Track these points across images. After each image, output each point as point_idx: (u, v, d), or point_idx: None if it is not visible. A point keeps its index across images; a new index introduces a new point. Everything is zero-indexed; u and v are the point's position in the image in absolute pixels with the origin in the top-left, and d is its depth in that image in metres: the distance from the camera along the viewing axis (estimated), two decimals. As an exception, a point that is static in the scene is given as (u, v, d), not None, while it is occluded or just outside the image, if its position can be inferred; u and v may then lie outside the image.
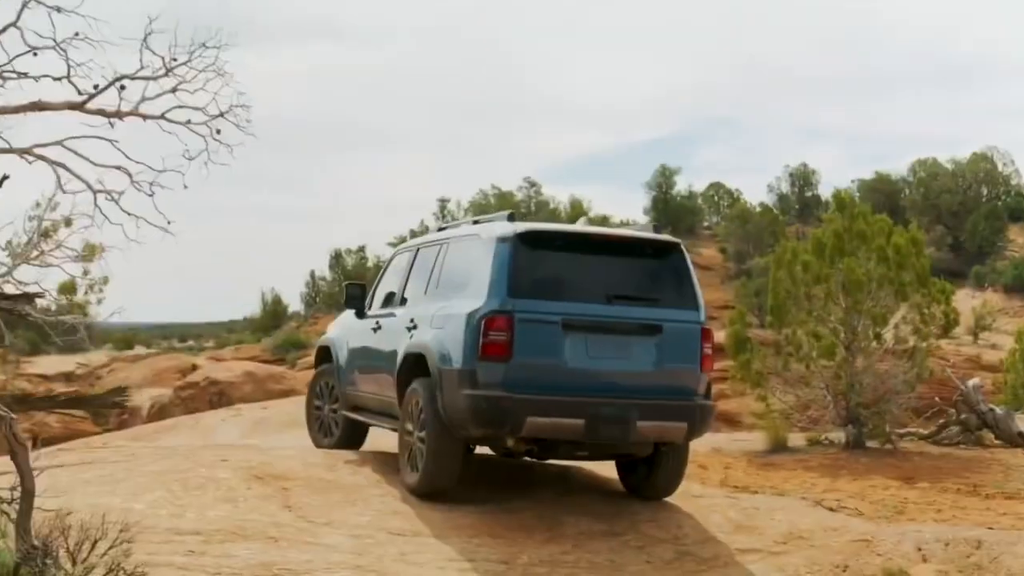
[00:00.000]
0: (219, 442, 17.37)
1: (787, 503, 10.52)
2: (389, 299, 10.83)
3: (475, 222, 10.08)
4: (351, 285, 11.64)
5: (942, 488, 11.81)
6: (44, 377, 45.62)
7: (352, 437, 11.40)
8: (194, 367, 46.53)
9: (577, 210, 65.14)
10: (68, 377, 48.74)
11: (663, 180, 69.45)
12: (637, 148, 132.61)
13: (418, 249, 10.72)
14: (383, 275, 11.37)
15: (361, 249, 67.57)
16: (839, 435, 14.81)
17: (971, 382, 15.58)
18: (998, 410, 15.38)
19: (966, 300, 48.74)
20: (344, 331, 11.64)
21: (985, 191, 63.57)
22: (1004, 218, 60.59)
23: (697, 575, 8.28)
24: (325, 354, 11.92)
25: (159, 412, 38.28)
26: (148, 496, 8.58)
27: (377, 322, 10.68)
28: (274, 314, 67.98)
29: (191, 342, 69.60)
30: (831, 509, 10.35)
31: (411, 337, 9.62)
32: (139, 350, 59.31)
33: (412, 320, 9.75)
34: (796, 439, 15.05)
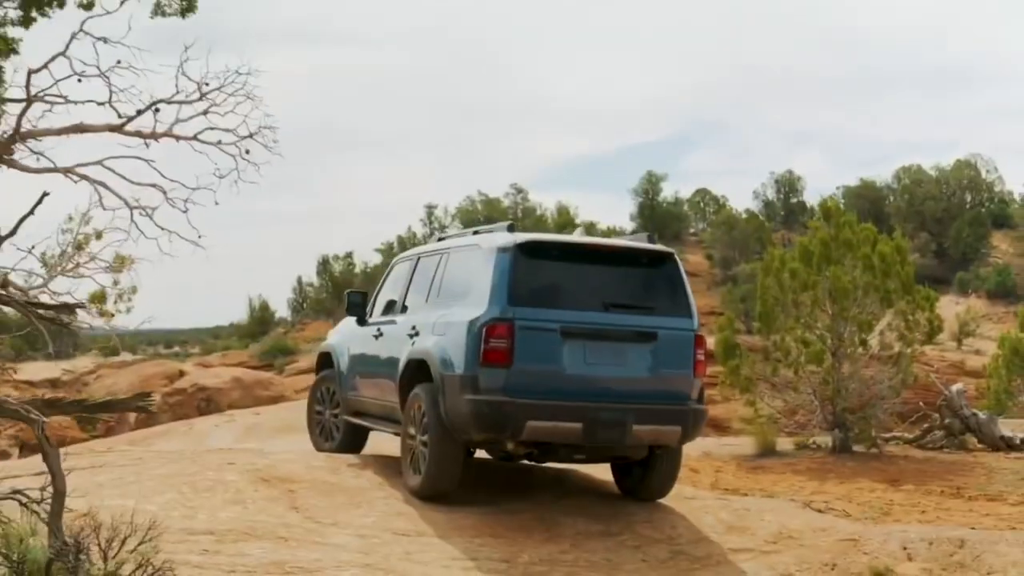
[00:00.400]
0: (213, 447, 17.57)
1: (777, 505, 10.82)
2: (390, 307, 11.08)
3: (475, 232, 10.35)
4: (352, 293, 11.89)
5: (927, 490, 12.11)
6: (30, 383, 45.60)
7: (353, 441, 11.64)
8: (181, 373, 46.40)
9: (564, 217, 65.45)
10: (54, 383, 48.72)
11: (649, 186, 69.74)
12: (624, 153, 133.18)
13: (419, 258, 10.98)
14: (383, 284, 11.61)
15: (349, 255, 67.63)
16: (826, 439, 15.12)
17: (955, 387, 15.91)
18: (981, 415, 15.69)
19: (950, 306, 49.12)
20: (345, 338, 11.88)
21: (969, 198, 64.09)
22: (988, 225, 61.12)
23: (691, 573, 8.55)
24: (326, 360, 12.14)
25: (146, 418, 38.23)
26: (159, 498, 8.84)
27: (379, 329, 10.93)
28: (261, 320, 68.06)
29: (176, 348, 69.62)
30: (819, 510, 10.65)
31: (413, 344, 9.88)
32: (125, 356, 59.26)
33: (414, 327, 10.01)
34: (784, 443, 15.34)
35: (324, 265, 67.70)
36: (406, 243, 64.09)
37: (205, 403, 39.67)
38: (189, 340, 72.96)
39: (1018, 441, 15.02)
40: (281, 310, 69.95)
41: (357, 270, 66.18)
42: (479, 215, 65.53)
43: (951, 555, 8.81)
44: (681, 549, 8.99)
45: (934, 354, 37.76)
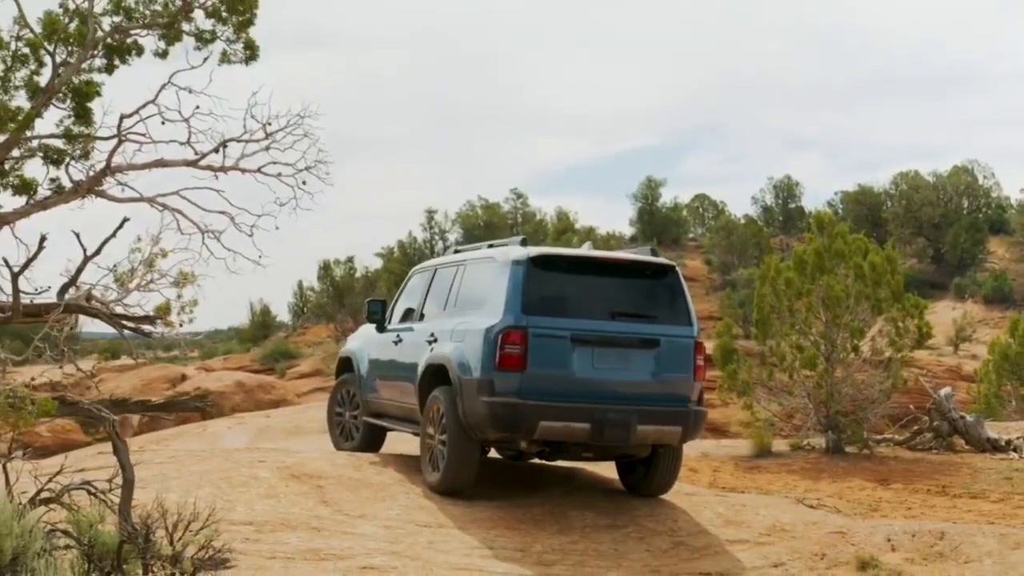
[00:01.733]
0: (230, 448, 18.16)
1: (771, 501, 11.48)
2: (408, 315, 11.75)
3: (490, 246, 11.01)
4: (372, 301, 12.49)
5: (914, 489, 12.74)
6: (31, 388, 45.78)
7: (371, 441, 12.30)
8: (183, 377, 46.62)
9: (563, 222, 66.03)
10: (53, 387, 49.00)
11: (648, 191, 70.30)
12: (623, 158, 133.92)
13: (436, 270, 11.64)
14: (401, 293, 12.27)
15: (350, 260, 67.96)
16: (820, 441, 15.72)
17: (943, 391, 16.53)
18: (968, 417, 16.28)
19: (947, 311, 49.82)
20: (364, 343, 12.53)
21: (966, 203, 64.70)
22: (984, 230, 61.75)
23: (691, 562, 9.21)
24: (346, 364, 12.80)
25: (150, 422, 38.67)
26: (199, 492, 9.47)
27: (398, 336, 11.59)
28: (263, 324, 68.51)
29: (176, 352, 69.80)
30: (811, 506, 11.31)
31: (432, 349, 10.55)
32: (125, 360, 59.43)
33: (432, 334, 10.68)
34: (779, 445, 15.95)
35: (325, 270, 68.09)
36: (407, 248, 64.62)
37: (208, 407, 39.99)
38: (189, 344, 73.06)
39: (1003, 443, 15.63)
40: (282, 314, 70.43)
41: (358, 275, 66.59)
42: (479, 220, 66.10)
43: (932, 546, 9.47)
44: (682, 540, 9.65)
45: (931, 359, 38.44)
